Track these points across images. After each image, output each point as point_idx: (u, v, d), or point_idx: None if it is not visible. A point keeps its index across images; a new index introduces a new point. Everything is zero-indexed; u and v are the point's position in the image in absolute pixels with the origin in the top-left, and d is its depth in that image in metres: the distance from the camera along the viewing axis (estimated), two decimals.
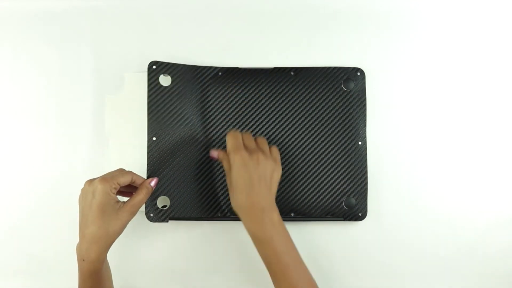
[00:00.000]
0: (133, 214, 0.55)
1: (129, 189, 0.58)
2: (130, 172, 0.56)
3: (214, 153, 0.59)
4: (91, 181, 0.53)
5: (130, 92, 0.64)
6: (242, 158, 0.54)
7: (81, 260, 0.53)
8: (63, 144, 0.64)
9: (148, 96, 0.62)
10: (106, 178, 0.53)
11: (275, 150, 0.59)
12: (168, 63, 0.62)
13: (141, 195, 0.56)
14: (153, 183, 0.58)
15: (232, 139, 0.57)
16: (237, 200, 0.55)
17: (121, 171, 0.56)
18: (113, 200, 0.53)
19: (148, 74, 0.62)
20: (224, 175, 0.62)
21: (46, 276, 0.64)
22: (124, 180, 0.55)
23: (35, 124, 0.65)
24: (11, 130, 0.65)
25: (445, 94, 0.65)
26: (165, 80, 0.62)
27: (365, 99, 0.64)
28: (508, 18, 0.66)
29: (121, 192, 0.57)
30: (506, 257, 0.63)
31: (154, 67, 0.62)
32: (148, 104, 0.62)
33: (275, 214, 0.54)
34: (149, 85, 0.62)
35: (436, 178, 0.64)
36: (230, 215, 0.62)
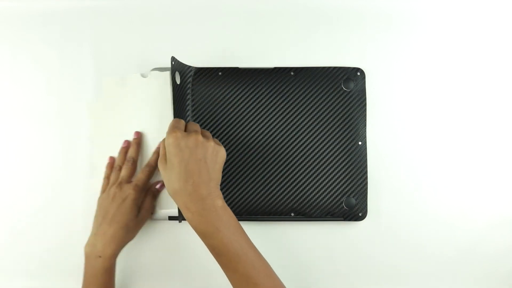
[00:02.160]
0: (147, 218, 0.59)
1: None
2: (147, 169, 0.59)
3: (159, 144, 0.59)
4: (121, 186, 0.56)
5: (128, 92, 0.64)
6: (176, 138, 0.49)
7: (97, 257, 0.54)
8: (64, 144, 0.64)
9: (173, 93, 0.60)
10: (139, 185, 0.57)
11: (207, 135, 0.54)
12: (181, 63, 0.62)
13: (149, 202, 0.59)
14: (158, 186, 0.60)
15: (172, 122, 0.51)
16: (173, 187, 0.49)
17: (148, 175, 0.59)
18: (138, 206, 0.57)
19: (171, 70, 0.60)
20: (225, 174, 0.62)
21: (46, 276, 0.64)
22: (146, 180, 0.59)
23: (35, 125, 0.65)
24: (11, 130, 0.65)
25: (445, 94, 0.65)
26: (177, 78, 0.62)
27: (365, 99, 0.64)
28: (508, 18, 0.66)
29: None
30: (506, 257, 0.64)
31: (173, 63, 0.61)
32: (174, 101, 0.60)
33: (218, 201, 0.49)
34: (172, 82, 0.60)
35: (436, 178, 0.64)
36: None
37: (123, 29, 0.66)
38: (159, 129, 0.61)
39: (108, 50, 0.65)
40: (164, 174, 0.50)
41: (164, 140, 0.51)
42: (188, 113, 0.63)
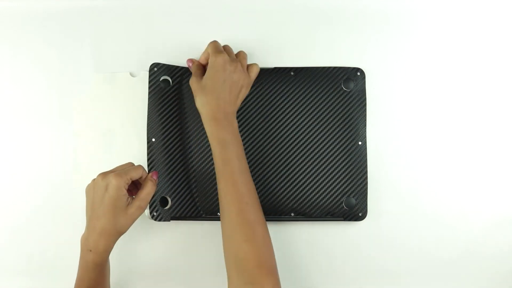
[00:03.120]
0: (142, 209, 0.55)
1: (131, 185, 0.58)
2: (140, 166, 0.56)
3: (190, 62, 0.61)
4: (104, 175, 0.53)
5: (116, 89, 0.64)
6: (224, 60, 0.57)
7: (87, 251, 0.54)
8: (64, 144, 0.64)
9: (149, 98, 0.63)
10: (120, 173, 0.53)
11: (255, 69, 0.61)
12: (169, 65, 0.63)
13: (148, 188, 0.55)
14: (155, 176, 0.57)
15: (214, 43, 0.59)
16: (206, 98, 0.57)
17: (131, 165, 0.57)
18: (124, 196, 0.53)
19: (149, 76, 0.63)
20: None
21: (46, 276, 0.64)
22: (136, 175, 0.55)
23: (35, 124, 0.65)
24: (11, 130, 0.65)
25: (445, 94, 0.65)
26: (165, 82, 0.63)
27: (365, 99, 0.64)
28: (508, 18, 0.66)
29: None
30: (507, 257, 0.64)
31: (155, 69, 0.63)
32: (148, 106, 0.62)
33: (235, 124, 0.58)
34: (149, 86, 0.63)
35: (436, 178, 0.64)
36: None
37: (123, 29, 0.66)
38: (144, 127, 0.63)
39: (108, 50, 0.65)
40: (197, 87, 0.58)
41: (198, 61, 0.60)
42: (178, 113, 0.63)
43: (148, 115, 0.62)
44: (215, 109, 0.56)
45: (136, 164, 0.57)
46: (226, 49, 0.60)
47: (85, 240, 0.54)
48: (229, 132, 0.56)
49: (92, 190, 0.54)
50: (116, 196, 0.52)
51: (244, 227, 0.53)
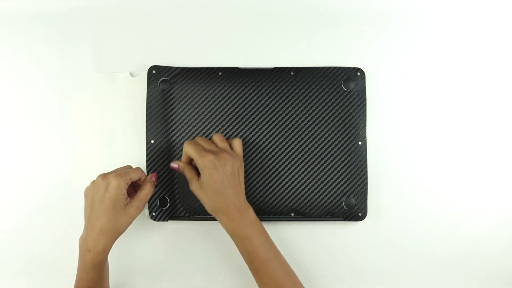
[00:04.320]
0: (140, 209, 0.56)
1: (130, 189, 0.58)
2: (139, 168, 0.58)
3: (175, 165, 0.58)
4: (105, 175, 0.55)
5: (116, 89, 0.64)
6: (211, 161, 0.54)
7: (86, 251, 0.54)
8: (64, 144, 0.64)
9: (147, 100, 0.63)
10: (121, 174, 0.54)
11: (237, 142, 0.58)
12: (167, 67, 0.63)
13: (146, 190, 0.57)
14: (154, 178, 0.59)
15: (191, 145, 0.56)
16: (213, 203, 0.55)
17: (130, 168, 0.58)
18: (124, 196, 0.54)
19: (148, 79, 0.63)
20: None
21: (46, 276, 0.64)
22: (136, 176, 0.56)
23: (35, 125, 0.65)
24: (11, 130, 0.65)
25: (445, 94, 0.65)
26: (164, 84, 0.63)
27: (365, 99, 0.64)
28: (508, 18, 0.66)
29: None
30: (506, 258, 0.63)
31: (154, 71, 0.63)
32: (147, 108, 0.63)
33: (250, 211, 0.56)
34: (148, 90, 0.63)
35: (436, 178, 0.64)
36: None
37: (122, 29, 0.66)
38: (144, 127, 0.63)
39: (108, 50, 0.65)
40: (201, 194, 0.56)
41: (184, 163, 0.57)
42: (176, 115, 0.63)
43: (146, 117, 0.63)
44: (226, 208, 0.55)
45: (134, 166, 0.58)
46: (201, 142, 0.57)
47: (83, 241, 0.55)
48: (247, 225, 0.55)
49: (91, 191, 0.55)
50: (116, 196, 0.53)
51: None
